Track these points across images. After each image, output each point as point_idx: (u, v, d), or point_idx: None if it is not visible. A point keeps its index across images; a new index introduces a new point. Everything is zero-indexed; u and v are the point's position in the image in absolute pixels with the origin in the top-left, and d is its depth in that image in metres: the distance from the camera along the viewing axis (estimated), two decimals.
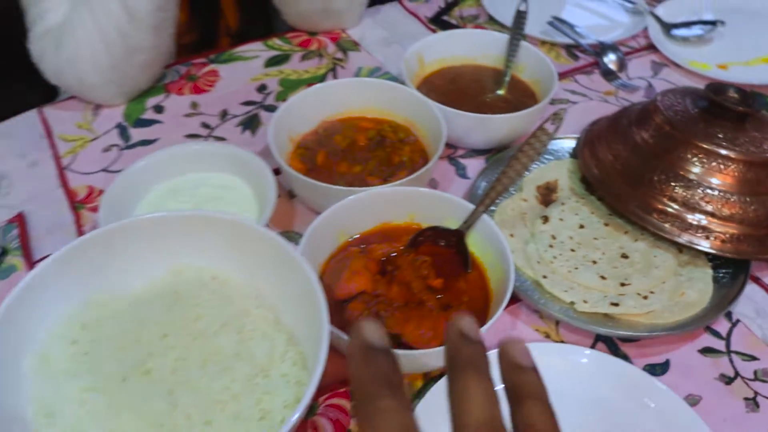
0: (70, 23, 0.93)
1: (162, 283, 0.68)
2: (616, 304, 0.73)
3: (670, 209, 0.78)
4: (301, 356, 0.63)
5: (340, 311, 0.69)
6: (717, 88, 0.83)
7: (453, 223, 0.76)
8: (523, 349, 0.33)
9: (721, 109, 0.81)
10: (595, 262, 0.77)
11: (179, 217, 0.68)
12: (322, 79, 1.08)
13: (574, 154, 0.92)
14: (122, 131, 0.98)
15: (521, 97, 0.99)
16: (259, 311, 0.66)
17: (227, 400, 0.58)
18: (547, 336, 0.73)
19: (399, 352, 0.62)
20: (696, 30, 1.18)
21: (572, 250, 0.79)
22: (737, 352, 0.73)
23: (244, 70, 1.10)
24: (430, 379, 0.68)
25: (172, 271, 0.69)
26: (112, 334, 0.63)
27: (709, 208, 0.77)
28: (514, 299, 0.75)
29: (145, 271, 0.68)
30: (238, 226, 0.67)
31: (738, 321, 0.76)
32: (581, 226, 0.82)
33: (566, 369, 0.68)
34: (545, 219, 0.82)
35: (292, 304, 0.66)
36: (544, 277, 0.76)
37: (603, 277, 0.76)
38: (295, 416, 0.53)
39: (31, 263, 0.80)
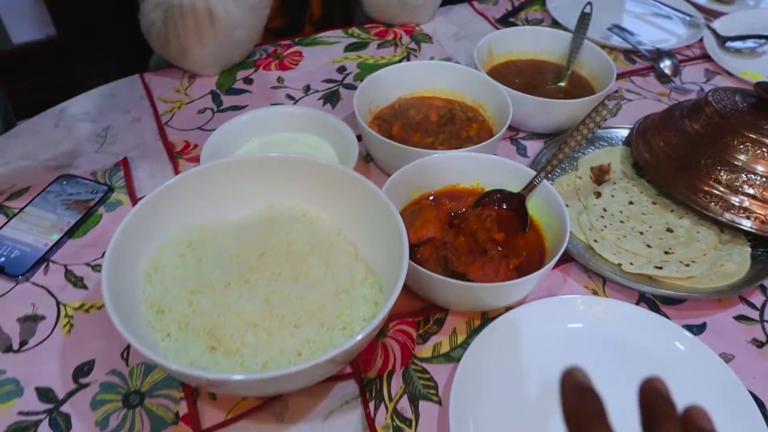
0: None
1: (259, 215, 0.78)
2: (659, 268, 0.80)
3: (715, 191, 0.85)
4: (378, 283, 0.72)
5: (411, 253, 0.77)
6: (766, 86, 0.90)
7: (514, 189, 0.84)
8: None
9: None
10: (642, 233, 0.85)
11: (278, 159, 0.77)
12: None
13: (627, 142, 1.00)
14: (215, 97, 1.09)
15: (580, 90, 1.07)
16: (341, 245, 0.75)
17: (315, 310, 0.67)
18: (595, 293, 0.81)
19: (462, 283, 0.70)
20: (750, 43, 1.25)
21: (621, 222, 0.86)
22: None
23: (325, 53, 1.21)
24: (486, 319, 0.76)
25: (268, 206, 0.78)
26: (215, 251, 0.73)
27: (752, 191, 0.84)
28: (566, 259, 0.83)
29: (244, 204, 0.78)
30: (330, 170, 0.76)
31: None
32: (630, 203, 0.89)
33: (608, 318, 0.75)
34: (598, 194, 0.90)
35: (370, 241, 0.74)
36: (595, 241, 0.84)
37: (648, 246, 0.83)
38: (372, 326, 0.60)
39: (135, 200, 0.90)
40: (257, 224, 0.76)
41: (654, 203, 0.90)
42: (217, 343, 0.65)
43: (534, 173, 0.83)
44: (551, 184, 0.91)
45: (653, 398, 0.41)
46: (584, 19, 1.12)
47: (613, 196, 0.90)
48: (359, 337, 0.59)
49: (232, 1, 1.03)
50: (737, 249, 0.84)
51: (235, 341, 0.65)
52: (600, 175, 0.95)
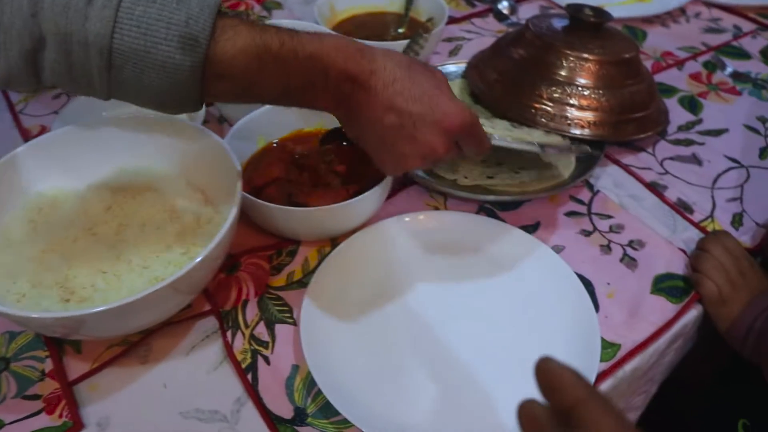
0: None
1: (107, 176, 0.80)
2: (491, 177, 0.87)
3: (543, 106, 0.93)
4: (224, 221, 0.76)
5: (259, 194, 0.81)
6: (575, 7, 0.98)
7: None
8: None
9: (579, 23, 0.96)
10: None
11: (118, 120, 0.80)
12: None
13: (464, 75, 1.06)
14: None
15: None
16: (189, 193, 0.79)
17: (162, 250, 0.71)
18: (436, 209, 0.87)
19: (297, 209, 0.75)
20: None
21: None
22: (597, 213, 0.87)
23: None
24: (335, 245, 0.81)
25: (117, 168, 0.81)
26: (63, 213, 0.75)
27: (573, 101, 0.92)
28: (410, 183, 0.89)
29: (91, 170, 0.80)
30: (172, 125, 0.80)
31: (599, 191, 0.90)
32: None
33: (449, 228, 0.82)
34: None
35: (217, 185, 0.78)
36: None
37: (483, 161, 0.90)
38: (209, 249, 0.64)
39: None
40: (105, 183, 0.78)
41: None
42: (70, 295, 0.68)
43: None
44: None
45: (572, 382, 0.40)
46: None
47: None
48: (197, 260, 0.63)
49: None
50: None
51: (87, 290, 0.68)
52: None
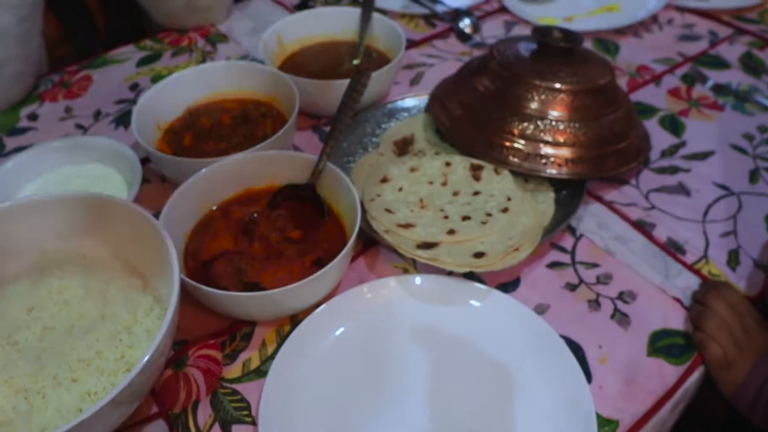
0: None
1: (27, 267, 0.70)
2: (453, 232, 0.77)
3: (513, 144, 0.84)
4: (165, 311, 0.67)
5: (206, 271, 0.73)
6: (543, 31, 0.90)
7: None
8: None
9: (548, 48, 0.88)
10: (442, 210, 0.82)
11: (42, 201, 0.71)
12: None
13: (427, 109, 0.98)
14: None
15: (377, 64, 1.04)
16: (125, 279, 0.69)
17: (92, 358, 0.62)
18: (406, 271, 0.78)
19: (253, 295, 0.66)
20: None
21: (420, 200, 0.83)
22: (582, 262, 0.79)
23: (116, 72, 1.13)
24: (296, 322, 0.72)
25: (41, 252, 0.71)
26: None
27: (546, 137, 0.84)
28: (374, 244, 0.81)
29: (7, 262, 0.70)
30: (98, 201, 0.70)
31: (582, 235, 0.82)
32: (430, 183, 0.85)
33: (421, 295, 0.74)
34: (384, 179, 0.86)
35: (157, 268, 0.69)
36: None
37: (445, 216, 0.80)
38: (145, 359, 0.55)
39: None
40: (24, 277, 0.69)
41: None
42: None
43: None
44: (352, 167, 0.89)
45: None
46: None
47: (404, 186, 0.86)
48: (135, 371, 0.54)
49: None
50: (541, 196, 0.84)
51: (7, 412, 0.59)
52: (404, 147, 0.93)
